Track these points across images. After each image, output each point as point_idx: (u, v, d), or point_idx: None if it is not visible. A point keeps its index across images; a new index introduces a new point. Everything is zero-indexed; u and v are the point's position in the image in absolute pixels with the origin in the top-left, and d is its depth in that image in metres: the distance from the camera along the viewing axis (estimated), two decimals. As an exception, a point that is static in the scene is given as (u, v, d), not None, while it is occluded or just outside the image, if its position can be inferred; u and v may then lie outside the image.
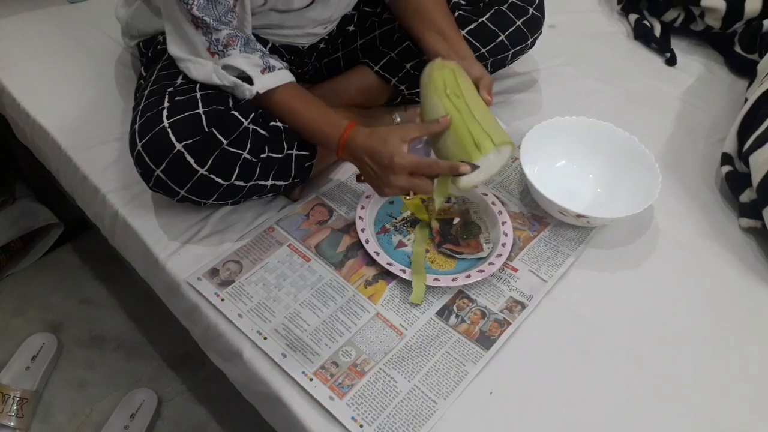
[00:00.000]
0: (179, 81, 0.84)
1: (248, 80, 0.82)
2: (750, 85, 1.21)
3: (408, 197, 0.82)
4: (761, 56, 1.27)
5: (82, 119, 1.04)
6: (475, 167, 0.78)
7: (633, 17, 1.45)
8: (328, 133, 0.83)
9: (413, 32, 0.97)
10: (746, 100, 1.15)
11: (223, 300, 0.81)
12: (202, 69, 0.82)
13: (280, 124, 0.86)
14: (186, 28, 0.79)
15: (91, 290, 1.39)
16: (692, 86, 1.31)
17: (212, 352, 0.85)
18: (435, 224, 0.93)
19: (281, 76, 0.84)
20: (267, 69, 0.83)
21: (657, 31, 1.41)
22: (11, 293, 1.36)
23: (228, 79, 0.81)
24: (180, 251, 0.87)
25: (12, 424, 1.13)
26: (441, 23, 0.94)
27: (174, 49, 0.83)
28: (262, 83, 0.82)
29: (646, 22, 1.43)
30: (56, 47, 1.17)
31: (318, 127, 0.85)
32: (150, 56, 0.97)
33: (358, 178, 0.88)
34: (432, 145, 0.86)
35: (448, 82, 0.83)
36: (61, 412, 1.18)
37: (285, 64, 0.86)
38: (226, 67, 0.81)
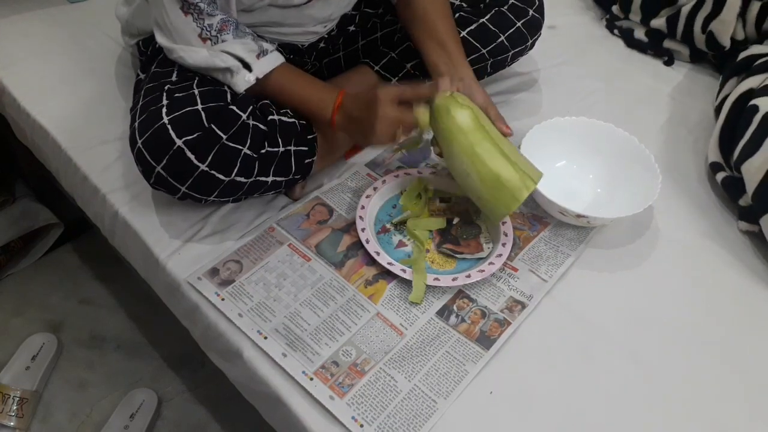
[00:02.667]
0: (175, 77, 0.84)
1: (245, 66, 0.83)
2: (718, 94, 1.22)
3: (400, 139, 0.84)
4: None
5: (82, 119, 1.04)
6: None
7: (617, 31, 1.45)
8: (322, 103, 0.86)
9: (415, 39, 0.98)
10: (717, 110, 1.16)
11: (223, 299, 0.81)
12: (197, 55, 0.82)
13: (277, 119, 0.86)
14: (174, 15, 0.79)
15: (91, 290, 1.39)
16: (692, 86, 1.31)
17: (212, 352, 0.85)
18: (441, 224, 0.93)
19: (275, 57, 0.86)
20: (261, 53, 0.84)
21: (641, 33, 1.41)
22: (11, 293, 1.36)
23: (230, 61, 0.82)
24: (180, 251, 0.87)
25: (12, 424, 1.13)
26: (443, 35, 0.95)
27: (162, 39, 0.83)
28: (260, 68, 0.83)
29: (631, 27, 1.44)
30: (56, 47, 1.17)
31: (312, 99, 0.87)
32: (149, 54, 0.97)
33: (347, 154, 0.91)
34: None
35: (480, 117, 0.84)
36: (61, 412, 1.18)
37: (273, 45, 0.87)
38: (222, 52, 0.81)
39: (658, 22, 1.36)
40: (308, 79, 0.89)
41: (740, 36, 1.29)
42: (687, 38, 1.34)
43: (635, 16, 1.40)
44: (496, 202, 0.83)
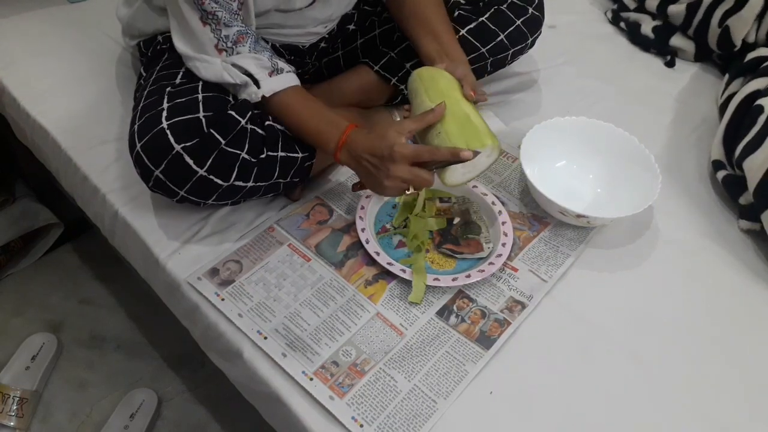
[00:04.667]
0: (179, 81, 0.84)
1: (254, 81, 0.82)
2: (723, 92, 1.22)
3: (408, 192, 0.82)
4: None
5: (82, 119, 1.04)
6: (476, 153, 0.79)
7: (623, 24, 1.45)
8: (327, 134, 0.83)
9: (408, 33, 0.98)
10: (722, 108, 1.16)
11: (223, 300, 0.81)
12: (211, 68, 0.82)
13: (276, 124, 0.86)
14: (193, 24, 0.79)
15: (91, 290, 1.39)
16: (693, 86, 1.31)
17: (212, 352, 0.85)
18: (441, 224, 0.93)
19: (287, 79, 0.84)
20: (275, 72, 0.83)
21: (648, 28, 1.41)
22: (11, 293, 1.36)
23: (240, 77, 0.82)
24: (180, 251, 0.87)
25: (12, 424, 1.13)
26: (435, 25, 0.95)
27: (180, 45, 0.83)
28: (269, 86, 0.83)
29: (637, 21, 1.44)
30: (56, 47, 1.17)
31: (317, 129, 0.84)
32: (150, 56, 0.97)
33: (355, 187, 0.88)
34: (421, 141, 0.86)
35: (450, 82, 0.85)
36: (61, 411, 1.18)
37: (291, 67, 0.86)
38: (235, 66, 0.82)
39: (677, 9, 1.36)
40: (316, 107, 0.86)
41: (752, 38, 1.29)
42: (700, 32, 1.34)
43: (653, 0, 1.40)
44: (459, 139, 0.81)
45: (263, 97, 0.82)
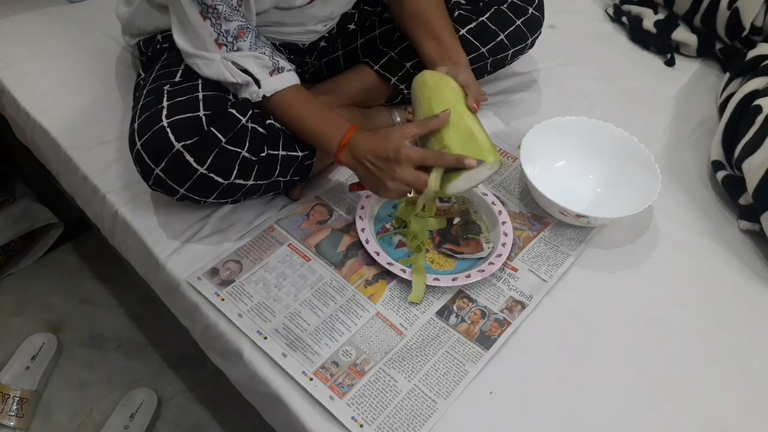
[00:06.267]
0: (178, 79, 0.84)
1: (255, 81, 0.82)
2: (722, 91, 1.22)
3: (409, 195, 0.82)
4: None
5: (82, 119, 1.04)
6: (480, 162, 0.79)
7: (625, 18, 1.45)
8: (329, 135, 0.83)
9: (409, 34, 0.98)
10: (721, 107, 1.16)
11: (223, 300, 0.81)
12: (212, 66, 0.82)
13: (277, 122, 0.86)
14: (193, 18, 0.79)
15: (91, 290, 1.39)
16: (693, 86, 1.31)
17: (212, 352, 0.85)
18: (441, 224, 0.93)
19: (288, 78, 0.84)
20: (276, 71, 0.83)
21: (650, 22, 1.40)
22: (11, 293, 1.36)
23: (241, 77, 0.82)
24: (180, 251, 0.87)
25: (12, 423, 1.13)
26: (437, 27, 0.94)
27: (180, 41, 0.83)
28: (270, 86, 0.83)
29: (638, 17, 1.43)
30: (56, 47, 1.17)
31: (318, 129, 0.84)
32: (150, 55, 0.97)
33: (352, 187, 0.88)
34: (423, 146, 0.85)
35: (455, 92, 0.85)
36: (61, 411, 1.18)
37: (292, 65, 0.86)
38: (235, 65, 0.81)
39: None
40: (317, 107, 0.86)
41: (759, 22, 1.29)
42: (708, 17, 1.34)
43: None
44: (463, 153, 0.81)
45: (264, 96, 0.83)
